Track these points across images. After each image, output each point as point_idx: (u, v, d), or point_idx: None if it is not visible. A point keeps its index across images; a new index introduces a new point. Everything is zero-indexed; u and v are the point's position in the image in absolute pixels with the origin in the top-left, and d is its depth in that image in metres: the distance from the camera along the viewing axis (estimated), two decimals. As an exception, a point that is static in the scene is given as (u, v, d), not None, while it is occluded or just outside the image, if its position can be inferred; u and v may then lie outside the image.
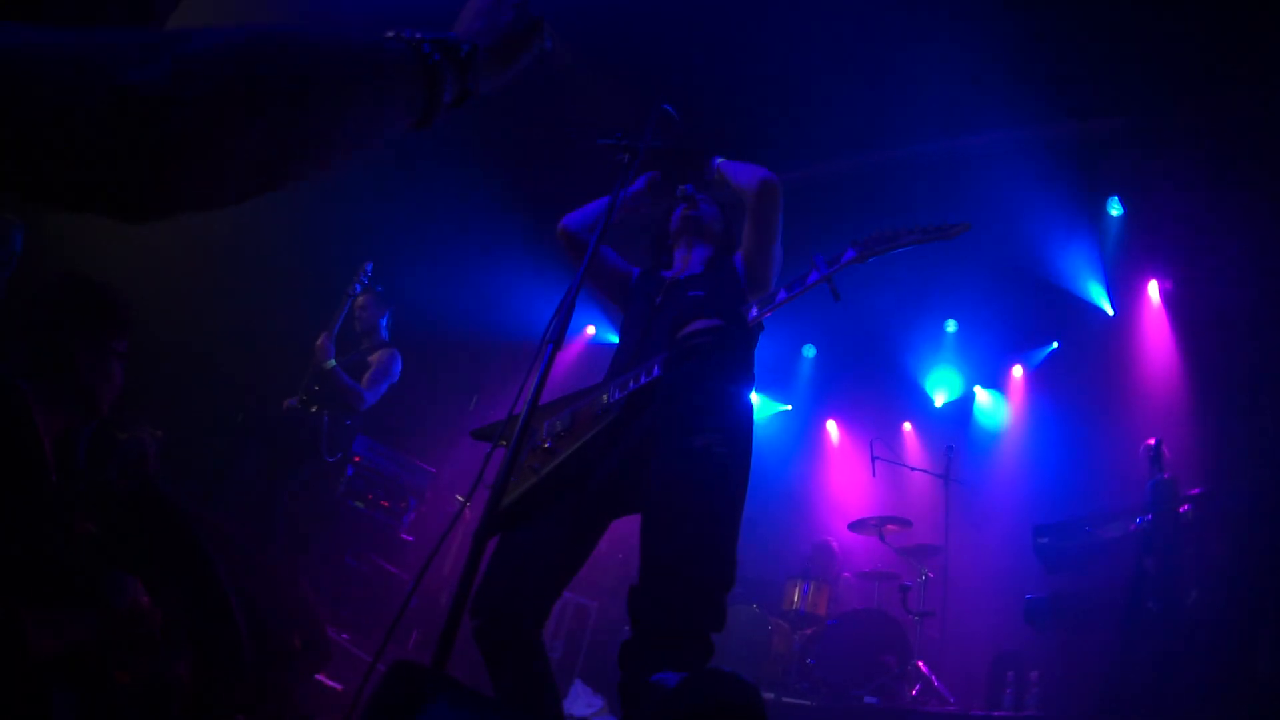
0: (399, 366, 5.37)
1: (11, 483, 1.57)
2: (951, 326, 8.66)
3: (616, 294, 3.07)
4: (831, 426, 9.59)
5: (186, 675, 1.98)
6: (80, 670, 1.58)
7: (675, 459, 2.24)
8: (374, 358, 5.30)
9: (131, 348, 2.33)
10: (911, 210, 6.90)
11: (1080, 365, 7.71)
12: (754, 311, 2.46)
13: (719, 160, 2.97)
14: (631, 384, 2.50)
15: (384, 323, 5.31)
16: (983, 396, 8.56)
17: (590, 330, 9.30)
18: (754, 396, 8.20)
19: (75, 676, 1.53)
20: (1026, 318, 7.95)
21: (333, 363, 4.98)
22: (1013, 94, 5.88)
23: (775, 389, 9.77)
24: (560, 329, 2.12)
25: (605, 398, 2.57)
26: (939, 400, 8.91)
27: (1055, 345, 8.02)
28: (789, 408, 9.85)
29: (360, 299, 5.44)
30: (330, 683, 3.78)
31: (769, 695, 5.54)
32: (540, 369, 2.08)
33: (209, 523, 2.84)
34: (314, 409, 5.03)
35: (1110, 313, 7.50)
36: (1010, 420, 8.19)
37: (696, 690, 1.66)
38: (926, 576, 6.32)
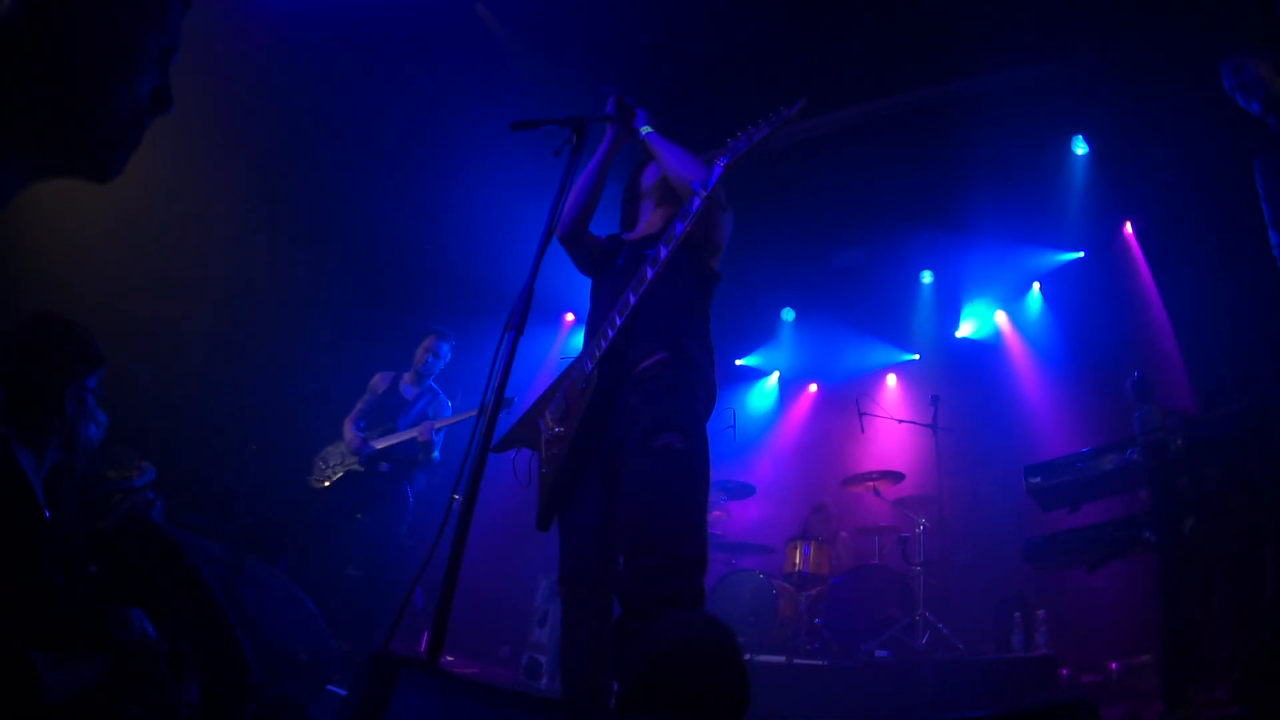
0: (450, 409, 5.83)
1: (7, 528, 1.56)
2: (927, 278, 8.70)
3: (592, 265, 3.09)
4: (815, 388, 9.65)
5: (198, 701, 1.98)
6: (94, 708, 1.57)
7: (642, 458, 2.51)
8: (430, 408, 5.75)
9: (105, 383, 2.30)
10: (880, 164, 6.92)
11: (1061, 306, 7.76)
12: (662, 252, 2.57)
13: (646, 131, 2.91)
14: (597, 352, 2.67)
15: (439, 368, 5.78)
16: (965, 327, 8.61)
17: (569, 318, 9.26)
18: (740, 361, 8.13)
19: (89, 715, 1.52)
20: (1003, 265, 7.98)
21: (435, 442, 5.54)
22: (980, 38, 5.85)
23: (759, 357, 9.80)
24: (521, 316, 2.16)
25: (584, 369, 2.73)
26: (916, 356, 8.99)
27: (1037, 285, 8.05)
28: (776, 374, 9.90)
29: (429, 340, 5.86)
30: (341, 692, 3.78)
31: (780, 659, 5.59)
32: (503, 357, 2.11)
33: (205, 550, 2.83)
34: (383, 466, 5.57)
35: (1081, 254, 7.57)
36: (997, 362, 8.24)
37: (664, 635, 1.67)
38: (923, 526, 6.38)
